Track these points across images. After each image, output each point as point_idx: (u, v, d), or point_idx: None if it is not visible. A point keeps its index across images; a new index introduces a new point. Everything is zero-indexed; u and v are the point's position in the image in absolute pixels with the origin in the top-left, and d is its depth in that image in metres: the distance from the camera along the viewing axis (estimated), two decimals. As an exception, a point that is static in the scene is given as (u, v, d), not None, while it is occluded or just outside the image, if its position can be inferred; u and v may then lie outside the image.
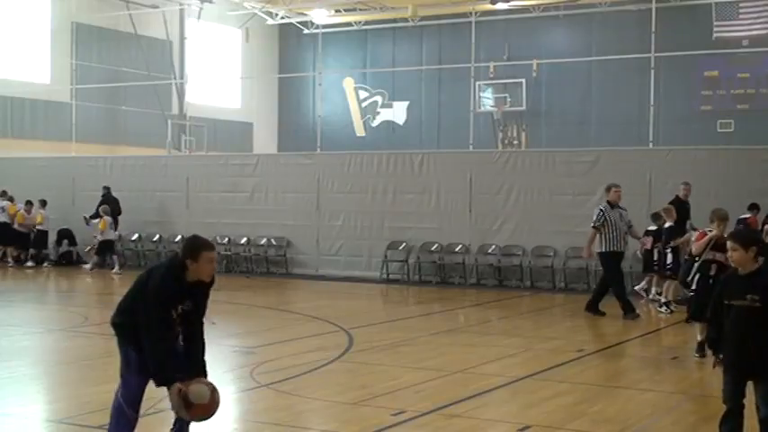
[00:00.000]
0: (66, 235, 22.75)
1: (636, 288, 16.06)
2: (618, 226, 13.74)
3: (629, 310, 13.63)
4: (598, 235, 13.79)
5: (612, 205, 13.86)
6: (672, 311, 14.09)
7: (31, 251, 22.40)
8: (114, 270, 20.48)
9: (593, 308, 13.98)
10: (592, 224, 13.85)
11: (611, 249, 13.72)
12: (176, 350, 5.74)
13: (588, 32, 28.62)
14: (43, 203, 22.27)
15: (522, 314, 15.36)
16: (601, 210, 13.85)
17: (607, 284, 14.08)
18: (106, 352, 10.46)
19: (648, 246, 15.28)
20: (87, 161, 23.72)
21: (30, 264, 22.05)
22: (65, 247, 22.82)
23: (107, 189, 21.82)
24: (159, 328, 5.59)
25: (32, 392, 8.64)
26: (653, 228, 15.26)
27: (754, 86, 26.64)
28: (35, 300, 17.12)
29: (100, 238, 20.47)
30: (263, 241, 20.92)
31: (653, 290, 15.70)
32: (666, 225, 14.56)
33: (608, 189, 14.14)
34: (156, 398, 7.92)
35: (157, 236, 22.17)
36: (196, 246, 5.77)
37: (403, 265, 19.37)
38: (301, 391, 8.33)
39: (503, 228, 18.54)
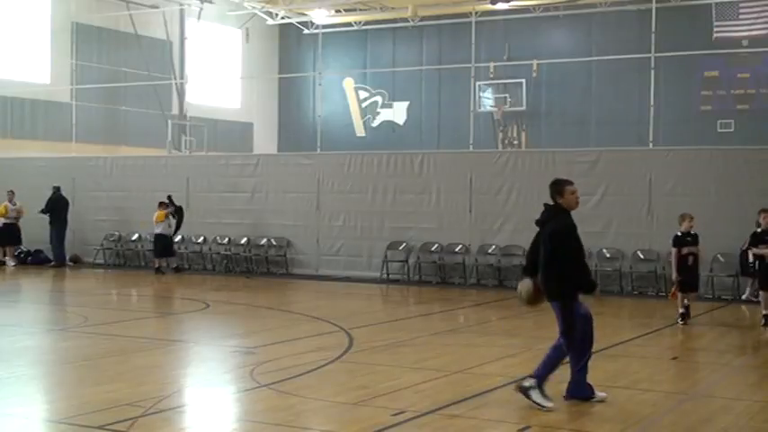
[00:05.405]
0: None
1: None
2: None
3: None
4: None
5: None
6: None
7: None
8: None
9: None
10: None
11: None
12: None
13: (588, 32, 28.61)
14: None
15: (522, 314, 15.27)
16: None
17: None
18: (106, 352, 10.48)
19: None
20: (87, 161, 23.70)
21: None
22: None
23: (57, 188, 21.91)
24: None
25: (32, 392, 8.62)
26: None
27: (754, 86, 26.63)
28: (35, 300, 17.11)
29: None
30: (264, 241, 20.90)
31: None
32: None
33: None
34: (157, 398, 7.94)
35: (157, 236, 22.16)
36: (560, 182, 7.81)
37: (403, 265, 19.36)
38: (301, 391, 8.32)
39: (503, 228, 18.52)
